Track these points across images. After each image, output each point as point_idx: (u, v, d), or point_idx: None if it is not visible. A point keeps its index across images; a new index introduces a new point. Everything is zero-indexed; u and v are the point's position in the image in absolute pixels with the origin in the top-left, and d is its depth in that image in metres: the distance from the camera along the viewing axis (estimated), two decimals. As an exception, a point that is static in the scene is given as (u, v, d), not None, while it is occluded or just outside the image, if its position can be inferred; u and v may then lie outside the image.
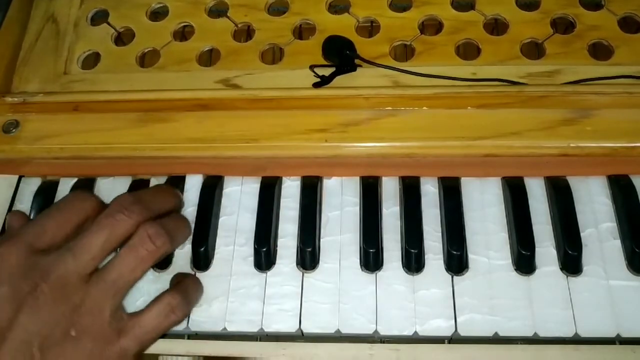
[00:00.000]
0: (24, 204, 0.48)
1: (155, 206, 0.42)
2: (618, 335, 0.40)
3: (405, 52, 0.52)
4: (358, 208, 0.46)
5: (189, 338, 0.43)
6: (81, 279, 0.38)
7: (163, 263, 0.44)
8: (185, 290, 0.42)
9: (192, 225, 0.45)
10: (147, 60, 0.54)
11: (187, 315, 0.42)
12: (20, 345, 0.36)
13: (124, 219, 0.40)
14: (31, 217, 0.47)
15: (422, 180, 0.46)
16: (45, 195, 0.48)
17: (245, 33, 0.55)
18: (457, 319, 0.41)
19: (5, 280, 0.37)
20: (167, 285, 0.43)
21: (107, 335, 0.38)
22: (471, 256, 0.43)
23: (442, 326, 0.41)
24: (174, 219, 0.44)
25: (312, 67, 0.50)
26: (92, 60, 0.54)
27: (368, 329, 0.41)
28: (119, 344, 0.38)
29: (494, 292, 0.42)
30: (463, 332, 0.41)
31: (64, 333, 0.37)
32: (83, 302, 0.38)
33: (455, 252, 0.43)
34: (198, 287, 0.43)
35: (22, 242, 0.39)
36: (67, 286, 0.38)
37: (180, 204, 0.46)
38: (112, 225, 0.39)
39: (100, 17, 0.56)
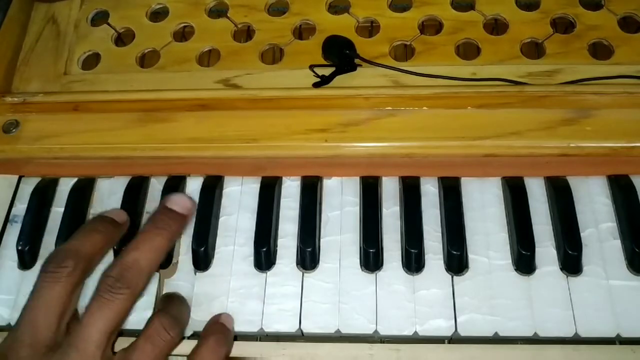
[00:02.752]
0: (24, 204, 0.48)
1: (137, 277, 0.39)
2: (618, 335, 0.40)
3: (405, 52, 0.52)
4: (358, 208, 0.46)
5: (189, 338, 0.43)
6: None
7: (163, 262, 0.44)
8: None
9: (193, 224, 0.45)
10: (147, 60, 0.54)
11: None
12: None
13: (116, 297, 0.37)
14: (30, 216, 0.47)
15: (422, 180, 0.47)
16: (43, 194, 0.48)
17: (245, 33, 0.55)
18: (457, 319, 0.41)
19: None
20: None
21: None
22: (471, 256, 0.43)
23: (442, 326, 0.41)
24: (177, 303, 0.42)
25: (311, 67, 0.50)
26: (92, 61, 0.54)
27: (368, 329, 0.41)
28: None
29: (494, 292, 0.42)
30: (463, 332, 0.41)
31: None
32: None
33: (455, 252, 0.43)
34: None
35: (23, 345, 0.36)
36: None
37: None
38: (105, 308, 0.37)
39: (100, 18, 0.56)
